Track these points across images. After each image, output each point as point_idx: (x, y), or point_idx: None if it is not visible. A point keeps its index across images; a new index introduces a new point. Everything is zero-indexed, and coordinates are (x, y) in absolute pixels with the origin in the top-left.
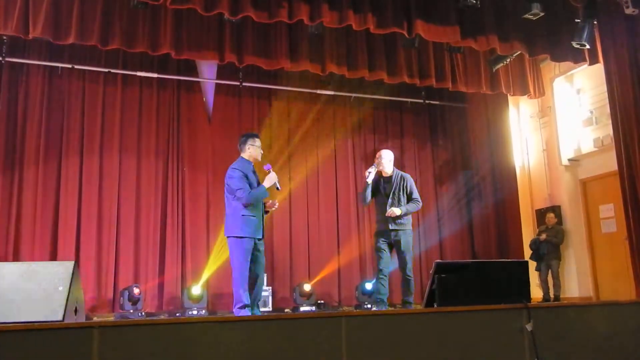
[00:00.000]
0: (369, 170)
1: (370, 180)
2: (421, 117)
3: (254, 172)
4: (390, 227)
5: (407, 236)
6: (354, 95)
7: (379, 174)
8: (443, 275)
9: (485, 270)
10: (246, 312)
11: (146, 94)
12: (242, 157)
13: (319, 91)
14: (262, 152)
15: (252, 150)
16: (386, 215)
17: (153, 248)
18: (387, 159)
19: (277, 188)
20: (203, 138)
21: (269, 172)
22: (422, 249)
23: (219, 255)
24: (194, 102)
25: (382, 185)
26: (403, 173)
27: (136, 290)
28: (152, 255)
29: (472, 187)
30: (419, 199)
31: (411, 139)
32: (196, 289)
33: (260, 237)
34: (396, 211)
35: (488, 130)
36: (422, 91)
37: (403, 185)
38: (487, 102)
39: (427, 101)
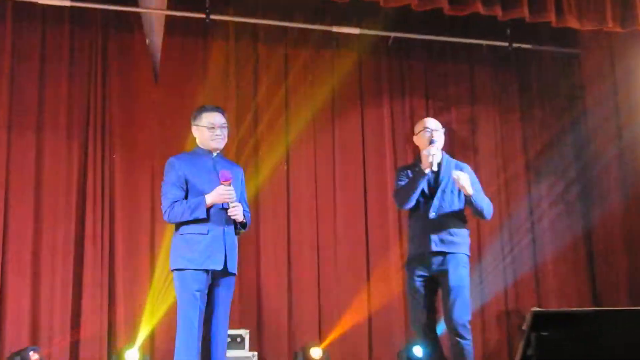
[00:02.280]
0: (430, 150)
1: (436, 165)
2: (505, 71)
3: (214, 169)
4: (433, 247)
5: (461, 264)
6: (393, 35)
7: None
8: (544, 333)
9: (615, 324)
10: None
11: (52, 36)
12: (198, 146)
13: (335, 29)
14: (222, 133)
15: (197, 133)
16: (453, 177)
17: (63, 284)
18: (442, 135)
19: (239, 225)
20: (145, 106)
21: (225, 185)
22: (506, 281)
23: (171, 297)
24: (130, 48)
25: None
26: (459, 163)
27: (34, 357)
28: (60, 297)
29: (589, 183)
30: (487, 199)
31: (488, 107)
32: (132, 354)
33: (220, 267)
34: (462, 177)
35: (615, 92)
36: (506, 29)
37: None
38: (613, 46)
39: (514, 45)
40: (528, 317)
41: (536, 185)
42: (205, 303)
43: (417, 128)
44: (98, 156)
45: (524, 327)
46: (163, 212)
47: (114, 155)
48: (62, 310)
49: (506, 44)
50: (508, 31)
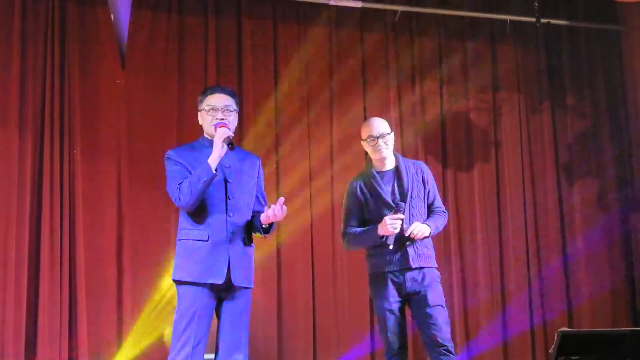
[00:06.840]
0: (393, 224)
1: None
2: (532, 52)
3: (220, 163)
4: (411, 262)
5: (435, 278)
6: (401, 8)
7: (375, 164)
8: (575, 358)
9: None
10: None
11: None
12: (203, 136)
13: (333, 2)
14: (226, 118)
15: (200, 119)
16: (407, 234)
17: (15, 304)
18: (389, 139)
19: (262, 230)
20: (110, 94)
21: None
22: (531, 296)
23: (150, 323)
24: (93, 26)
25: (382, 186)
26: (415, 161)
27: None
28: (13, 319)
29: (630, 184)
30: (444, 208)
31: (512, 93)
32: None
33: (221, 280)
34: (423, 228)
35: None
36: (534, 2)
37: (422, 183)
38: None
39: (543, 21)
40: (556, 338)
41: (568, 187)
42: (207, 324)
43: (362, 134)
44: (55, 153)
45: (551, 351)
46: (174, 200)
47: (74, 152)
48: (14, 334)
49: (533, 20)
50: (536, 4)
